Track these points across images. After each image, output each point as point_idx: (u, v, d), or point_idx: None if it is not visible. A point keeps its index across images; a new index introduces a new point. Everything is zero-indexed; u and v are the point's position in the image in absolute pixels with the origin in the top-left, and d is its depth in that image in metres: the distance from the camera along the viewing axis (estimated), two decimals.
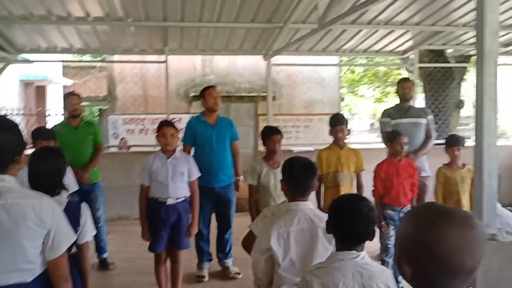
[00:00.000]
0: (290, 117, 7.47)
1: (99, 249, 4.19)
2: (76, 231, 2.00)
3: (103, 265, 4.13)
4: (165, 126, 3.15)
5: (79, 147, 4.02)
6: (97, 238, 4.12)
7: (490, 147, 2.16)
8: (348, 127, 3.64)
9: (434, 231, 0.96)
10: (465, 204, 3.55)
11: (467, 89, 10.29)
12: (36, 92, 12.25)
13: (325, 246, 1.93)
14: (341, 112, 5.65)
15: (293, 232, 1.91)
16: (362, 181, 3.64)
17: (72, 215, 2.01)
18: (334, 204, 1.70)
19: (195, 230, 3.25)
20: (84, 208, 2.09)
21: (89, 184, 4.03)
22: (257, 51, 6.01)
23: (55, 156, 2.06)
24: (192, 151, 3.91)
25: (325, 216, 1.83)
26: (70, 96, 4.15)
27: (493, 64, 2.14)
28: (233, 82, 9.35)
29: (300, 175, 2.00)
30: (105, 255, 4.19)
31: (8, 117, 1.67)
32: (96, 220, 4.10)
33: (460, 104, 8.11)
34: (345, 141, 3.64)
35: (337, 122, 3.58)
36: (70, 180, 3.17)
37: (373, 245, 4.07)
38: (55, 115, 8.18)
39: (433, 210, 1.01)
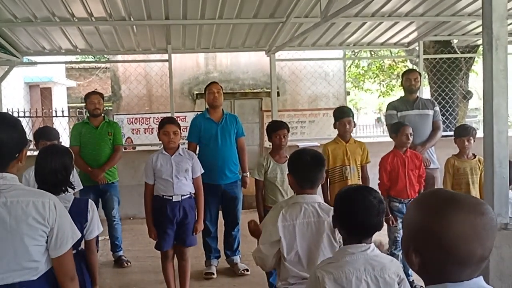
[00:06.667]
0: (295, 112, 7.43)
1: (114, 247, 4.22)
2: (83, 227, 2.00)
3: (118, 262, 4.16)
4: (167, 123, 3.11)
5: (97, 146, 4.05)
6: (112, 236, 4.17)
7: (500, 134, 2.13)
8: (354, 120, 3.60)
9: (440, 218, 0.91)
10: (475, 195, 3.50)
11: (475, 80, 10.14)
12: (41, 94, 12.30)
13: (331, 241, 1.90)
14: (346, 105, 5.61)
15: (299, 225, 1.88)
16: (367, 173, 3.60)
17: (79, 212, 2.01)
18: (341, 197, 1.65)
19: (201, 226, 3.24)
20: (91, 204, 2.09)
21: (106, 183, 4.05)
22: (260, 47, 5.98)
23: (62, 154, 2.05)
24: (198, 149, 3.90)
25: (332, 210, 1.79)
26: (91, 95, 4.18)
27: (503, 50, 2.09)
28: (236, 79, 9.33)
29: (308, 166, 1.97)
30: (120, 253, 4.23)
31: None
32: (111, 219, 4.14)
33: (468, 94, 8.01)
34: (351, 134, 3.60)
35: (344, 114, 3.53)
36: (75, 178, 3.19)
37: (381, 239, 4.04)
38: (61, 117, 8.22)
39: (441, 196, 0.96)
